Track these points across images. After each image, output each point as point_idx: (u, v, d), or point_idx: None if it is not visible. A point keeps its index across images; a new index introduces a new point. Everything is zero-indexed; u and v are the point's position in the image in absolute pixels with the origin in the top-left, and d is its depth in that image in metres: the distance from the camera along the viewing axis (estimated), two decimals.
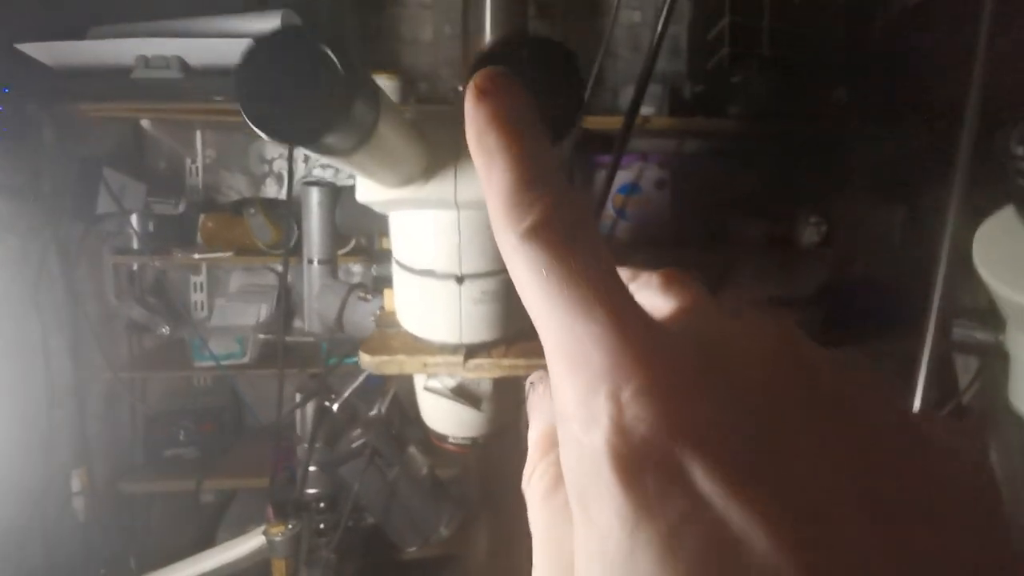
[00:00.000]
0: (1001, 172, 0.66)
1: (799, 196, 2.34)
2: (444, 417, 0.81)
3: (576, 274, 0.21)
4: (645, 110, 1.94)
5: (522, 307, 0.68)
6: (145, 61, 1.53)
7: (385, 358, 0.72)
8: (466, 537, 1.70)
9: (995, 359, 0.90)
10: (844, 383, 0.21)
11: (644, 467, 0.18)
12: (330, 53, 0.36)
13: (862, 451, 0.19)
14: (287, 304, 1.93)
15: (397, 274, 0.73)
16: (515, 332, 0.74)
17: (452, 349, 0.72)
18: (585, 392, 0.20)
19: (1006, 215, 0.77)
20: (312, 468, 1.35)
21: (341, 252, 1.69)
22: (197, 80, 1.57)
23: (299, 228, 1.78)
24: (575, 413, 0.20)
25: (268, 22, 1.50)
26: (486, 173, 0.24)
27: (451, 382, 0.75)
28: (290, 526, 1.22)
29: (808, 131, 2.07)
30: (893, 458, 0.19)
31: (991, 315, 0.88)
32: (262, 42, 0.36)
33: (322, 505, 1.26)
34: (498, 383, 0.75)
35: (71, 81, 1.60)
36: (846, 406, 0.20)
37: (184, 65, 1.54)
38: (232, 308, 2.12)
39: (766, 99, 1.88)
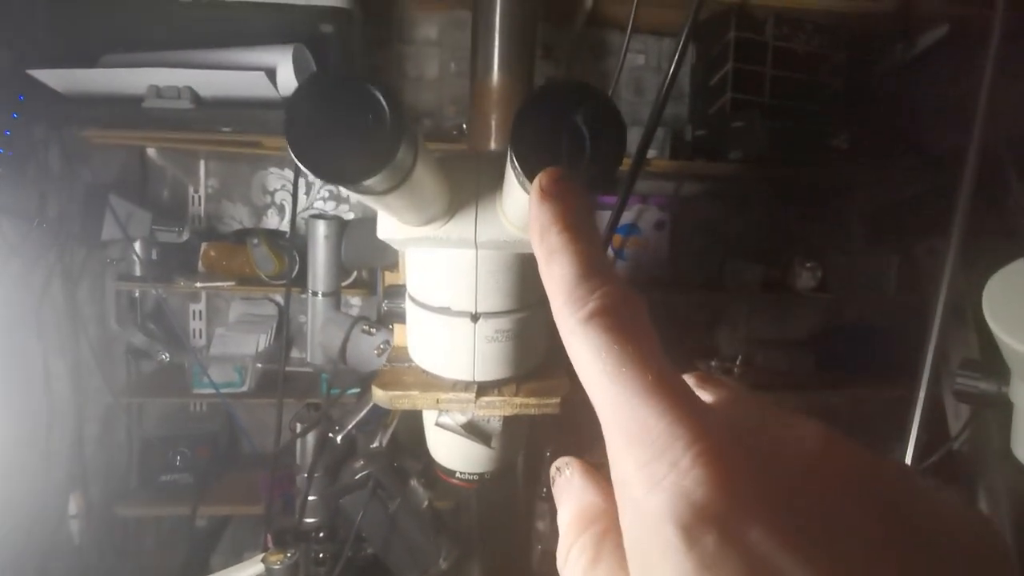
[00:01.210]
0: (1016, 227, 0.68)
1: (795, 241, 2.36)
2: (453, 453, 0.82)
3: (633, 355, 0.23)
4: (647, 153, 1.97)
5: (534, 347, 0.70)
6: (157, 91, 1.55)
7: (398, 393, 0.73)
8: (461, 572, 1.70)
9: (996, 409, 0.92)
10: (879, 468, 0.23)
11: (705, 527, 0.19)
12: (380, 96, 0.38)
13: (899, 526, 0.21)
14: (287, 335, 1.94)
15: (411, 310, 0.74)
16: (526, 372, 0.75)
17: (464, 386, 0.73)
18: (647, 459, 0.21)
19: (1017, 268, 0.79)
20: (311, 497, 1.36)
21: (342, 285, 1.71)
22: (208, 111, 1.59)
23: (301, 260, 1.80)
24: (635, 478, 0.21)
25: (280, 55, 1.53)
26: (546, 266, 0.26)
27: (462, 419, 0.76)
28: (289, 555, 1.22)
29: (807, 177, 2.10)
30: (922, 533, 0.21)
31: (993, 366, 0.89)
32: (312, 80, 0.37)
33: (321, 534, 1.26)
34: (508, 421, 0.76)
35: (81, 107, 1.62)
36: (881, 488, 0.22)
37: (195, 96, 1.57)
38: (231, 337, 2.12)
39: (767, 144, 1.90)
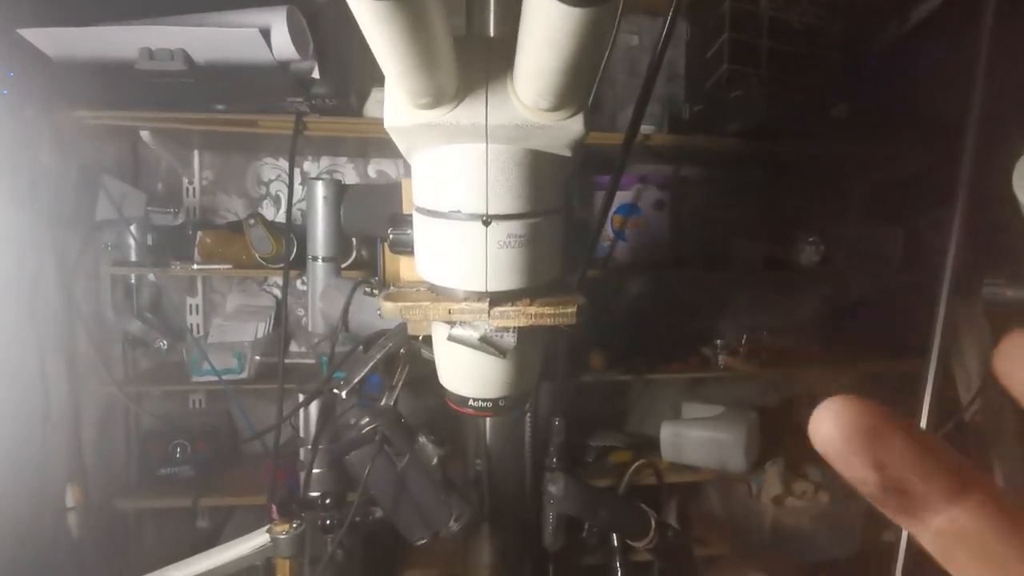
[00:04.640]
0: None
1: (797, 217, 2.35)
2: (466, 375, 0.79)
3: None
4: (645, 128, 1.95)
5: (548, 258, 0.66)
6: (149, 53, 1.51)
7: (408, 304, 0.70)
8: (470, 550, 1.66)
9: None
10: None
11: None
12: None
13: None
14: (286, 324, 1.92)
15: (419, 223, 0.72)
16: (540, 286, 0.73)
17: (477, 297, 0.70)
18: None
19: None
20: (316, 470, 1.32)
21: (343, 266, 1.68)
22: (200, 76, 1.56)
23: (298, 243, 1.78)
24: None
25: (274, 16, 1.50)
26: None
27: (475, 334, 0.73)
28: (295, 524, 1.19)
29: (806, 150, 2.08)
30: None
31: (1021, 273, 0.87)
32: None
33: (328, 501, 1.23)
34: (523, 336, 0.74)
35: (71, 78, 1.59)
36: None
37: (188, 59, 1.53)
38: (229, 327, 2.10)
39: (765, 113, 1.88)
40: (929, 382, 0.97)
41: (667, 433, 2.15)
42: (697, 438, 2.12)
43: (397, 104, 0.61)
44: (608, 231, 2.10)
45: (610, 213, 2.04)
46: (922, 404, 0.97)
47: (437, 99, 0.59)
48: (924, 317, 0.98)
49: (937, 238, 2.05)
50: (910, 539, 0.93)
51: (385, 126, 0.62)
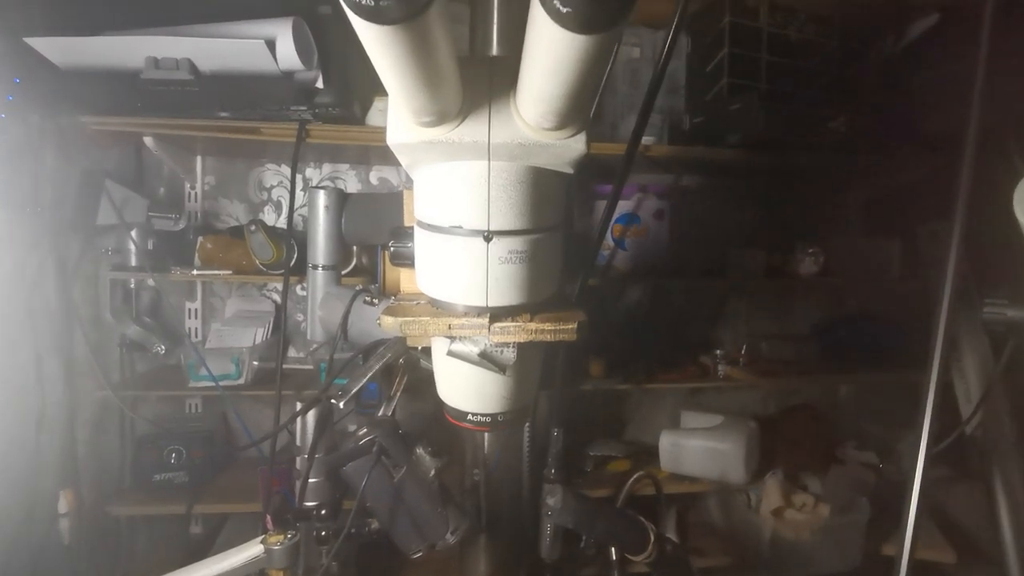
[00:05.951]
0: None
1: (797, 227, 2.35)
2: (464, 391, 0.79)
3: None
4: (646, 139, 1.95)
5: (548, 274, 0.66)
6: (155, 62, 1.51)
7: (409, 319, 0.70)
8: (466, 561, 1.66)
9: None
10: None
11: None
12: None
13: None
14: (285, 329, 1.91)
15: (421, 237, 0.71)
16: (540, 302, 0.73)
17: (477, 312, 0.70)
18: None
19: None
20: (312, 480, 1.32)
21: (343, 272, 1.68)
22: (205, 85, 1.56)
23: (298, 249, 1.78)
24: None
25: (280, 27, 1.50)
26: None
27: (475, 349, 0.73)
28: (289, 535, 1.18)
29: (805, 162, 2.09)
30: None
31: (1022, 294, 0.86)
32: None
33: (323, 512, 1.22)
34: (522, 351, 0.73)
35: (77, 86, 1.58)
36: None
37: (194, 68, 1.53)
38: (228, 332, 2.09)
39: (765, 126, 1.88)
40: (930, 394, 0.97)
41: (666, 442, 2.14)
42: (696, 448, 2.11)
43: (401, 121, 0.60)
44: (608, 240, 2.09)
45: (609, 224, 2.04)
46: (923, 416, 0.97)
47: (441, 118, 0.59)
48: (923, 328, 0.97)
49: (936, 249, 2.06)
50: (912, 554, 0.92)
51: (388, 143, 0.62)
